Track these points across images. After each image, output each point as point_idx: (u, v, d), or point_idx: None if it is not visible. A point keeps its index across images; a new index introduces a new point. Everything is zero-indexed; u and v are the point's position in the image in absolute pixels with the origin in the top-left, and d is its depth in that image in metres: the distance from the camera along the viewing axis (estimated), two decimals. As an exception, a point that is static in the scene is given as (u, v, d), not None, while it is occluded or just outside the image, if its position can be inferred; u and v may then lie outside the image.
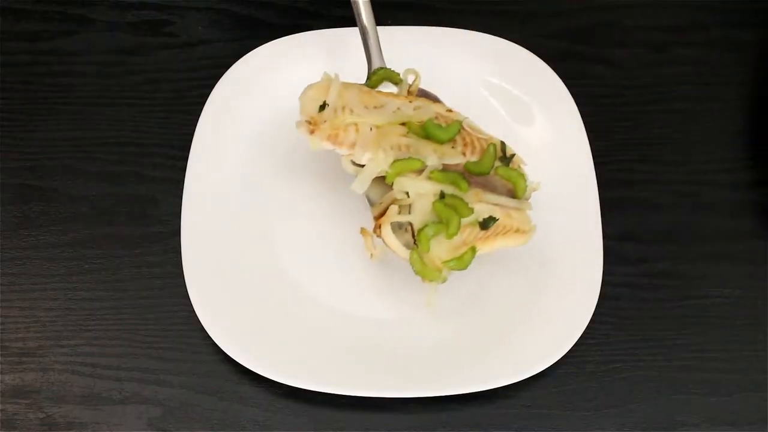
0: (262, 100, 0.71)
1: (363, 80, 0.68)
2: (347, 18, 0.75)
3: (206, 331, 0.62)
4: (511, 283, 0.66)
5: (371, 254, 0.64)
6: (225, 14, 0.79)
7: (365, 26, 0.68)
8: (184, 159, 0.68)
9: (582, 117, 0.70)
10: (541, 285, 0.65)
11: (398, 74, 0.67)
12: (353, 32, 0.72)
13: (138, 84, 0.75)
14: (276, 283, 0.66)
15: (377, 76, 0.67)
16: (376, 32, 0.68)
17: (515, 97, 0.72)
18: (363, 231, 0.64)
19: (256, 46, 0.72)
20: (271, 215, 0.68)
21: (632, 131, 0.73)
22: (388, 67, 0.68)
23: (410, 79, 0.68)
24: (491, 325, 0.64)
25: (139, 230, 0.69)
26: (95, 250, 0.68)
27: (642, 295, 0.67)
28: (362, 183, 0.62)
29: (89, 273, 0.67)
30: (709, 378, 0.64)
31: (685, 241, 0.69)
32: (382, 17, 0.75)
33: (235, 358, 0.61)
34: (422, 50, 0.72)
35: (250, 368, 0.61)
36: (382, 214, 0.62)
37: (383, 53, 0.69)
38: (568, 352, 0.61)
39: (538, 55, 0.72)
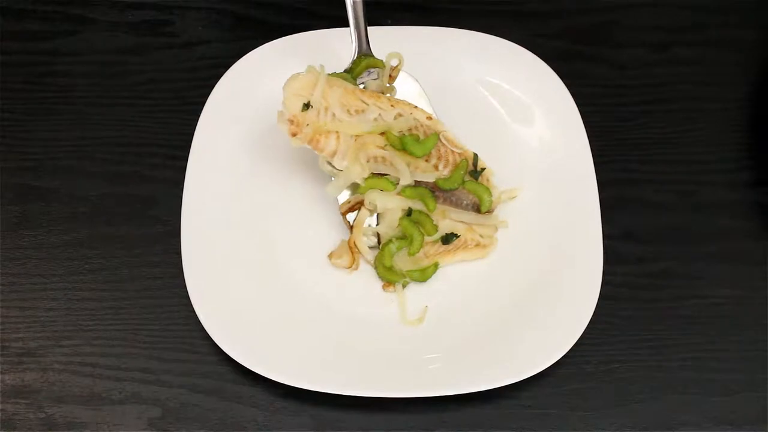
0: (262, 99, 0.71)
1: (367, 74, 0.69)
2: (347, 18, 0.75)
3: (206, 331, 0.62)
4: (511, 283, 0.66)
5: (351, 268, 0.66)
6: (225, 14, 0.79)
7: (354, 13, 0.68)
8: (184, 159, 0.68)
9: (582, 117, 0.70)
10: (542, 284, 0.65)
11: (381, 61, 0.69)
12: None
13: (138, 84, 0.75)
14: (276, 283, 0.66)
15: (360, 66, 0.68)
16: (365, 20, 0.68)
17: (515, 97, 0.72)
18: (333, 259, 0.66)
19: (256, 46, 0.72)
20: (271, 215, 0.68)
21: (632, 131, 0.73)
22: (373, 55, 0.69)
23: (393, 62, 0.69)
24: (492, 325, 0.64)
25: (139, 230, 0.69)
26: (95, 250, 0.68)
27: (642, 295, 0.67)
28: (337, 188, 0.66)
29: (89, 273, 0.67)
30: (709, 378, 0.64)
31: (685, 241, 0.69)
32: (382, 17, 0.76)
33: (235, 358, 0.61)
34: (422, 50, 0.72)
35: (250, 368, 0.61)
36: (349, 210, 0.67)
37: (383, 53, 0.69)
38: (568, 352, 0.61)
39: (538, 55, 0.72)
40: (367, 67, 0.69)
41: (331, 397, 0.61)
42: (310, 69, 0.66)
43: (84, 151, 0.72)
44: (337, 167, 0.65)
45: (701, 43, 0.78)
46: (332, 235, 0.68)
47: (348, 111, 0.65)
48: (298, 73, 0.65)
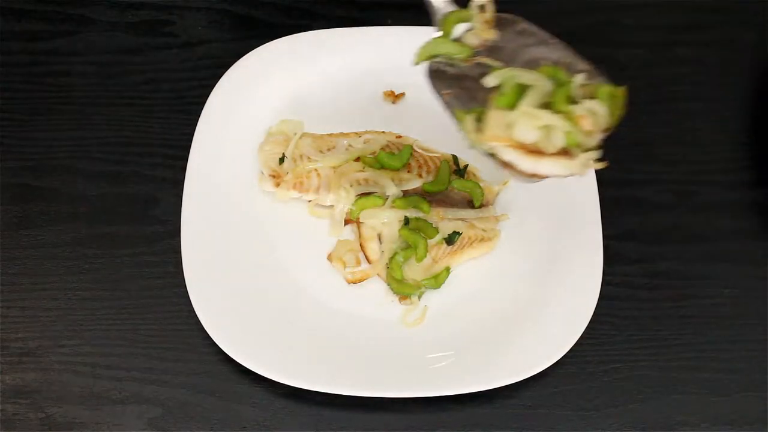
0: (261, 100, 0.71)
1: (368, 74, 0.70)
2: (347, 18, 0.75)
3: (206, 331, 0.62)
4: (511, 283, 0.66)
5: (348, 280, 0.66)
6: (225, 14, 0.79)
7: None
8: (184, 159, 0.68)
9: (582, 117, 0.70)
10: (542, 285, 0.65)
11: (468, 11, 0.60)
12: (353, 32, 0.72)
13: (138, 84, 0.75)
14: (276, 283, 0.66)
15: (449, 21, 0.60)
16: None
17: (515, 97, 0.72)
18: (332, 259, 0.66)
19: (256, 46, 0.72)
20: (270, 215, 0.68)
21: (632, 131, 0.73)
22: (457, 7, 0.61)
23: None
24: (491, 324, 0.64)
25: (139, 230, 0.69)
26: (95, 250, 0.68)
27: (642, 295, 0.67)
28: (336, 227, 0.67)
29: (89, 273, 0.67)
30: (709, 378, 0.64)
31: (685, 241, 0.69)
32: (382, 17, 0.76)
33: (235, 358, 0.61)
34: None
35: (250, 368, 0.61)
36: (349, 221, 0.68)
37: (382, 52, 0.69)
38: (568, 352, 0.61)
39: (538, 55, 0.72)
40: (458, 21, 0.60)
41: (331, 397, 0.61)
42: (271, 132, 0.69)
43: (84, 151, 0.72)
44: (325, 204, 0.67)
45: (701, 43, 0.77)
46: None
47: (320, 151, 0.68)
48: (265, 140, 0.69)
